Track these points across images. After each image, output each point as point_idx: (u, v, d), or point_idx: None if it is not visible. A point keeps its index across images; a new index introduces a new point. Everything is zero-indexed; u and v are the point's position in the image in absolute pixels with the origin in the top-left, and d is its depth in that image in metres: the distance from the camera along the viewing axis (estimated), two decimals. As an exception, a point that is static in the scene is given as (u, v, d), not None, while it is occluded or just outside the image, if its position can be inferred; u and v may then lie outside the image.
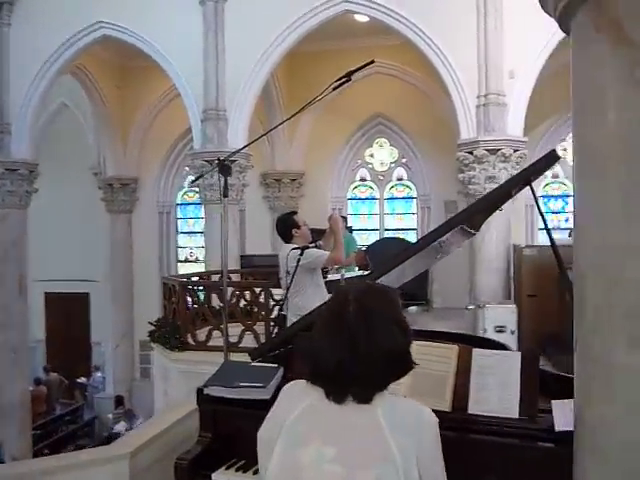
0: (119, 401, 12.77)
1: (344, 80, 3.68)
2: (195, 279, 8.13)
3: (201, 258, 13.71)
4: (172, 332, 6.25)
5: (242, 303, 6.53)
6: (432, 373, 2.38)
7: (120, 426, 11.64)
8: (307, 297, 4.65)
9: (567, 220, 12.90)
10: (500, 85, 8.53)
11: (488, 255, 8.74)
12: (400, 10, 8.67)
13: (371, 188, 13.51)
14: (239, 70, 9.23)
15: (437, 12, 8.62)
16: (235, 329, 5.64)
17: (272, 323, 4.50)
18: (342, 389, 1.50)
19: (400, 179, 13.36)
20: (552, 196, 12.86)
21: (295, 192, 13.06)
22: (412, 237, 12.99)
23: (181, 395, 5.38)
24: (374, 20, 9.23)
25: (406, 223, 13.33)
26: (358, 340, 1.48)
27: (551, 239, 2.64)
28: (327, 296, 5.02)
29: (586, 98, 1.23)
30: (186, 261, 14.38)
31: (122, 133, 13.54)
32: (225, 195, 3.61)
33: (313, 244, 4.56)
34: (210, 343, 6.12)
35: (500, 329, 7.88)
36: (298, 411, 1.53)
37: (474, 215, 2.83)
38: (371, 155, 13.38)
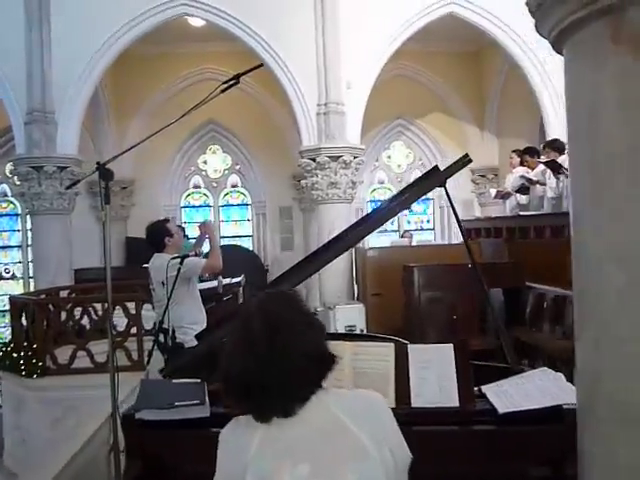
0: None
1: (232, 83, 3.61)
2: (64, 295, 7.27)
3: (19, 274, 12.46)
4: (27, 356, 5.53)
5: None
6: (373, 372, 2.43)
7: None
8: (186, 308, 4.47)
9: (393, 223, 13.86)
10: (339, 95, 8.93)
11: (335, 257, 9.05)
12: (243, 18, 8.70)
13: (205, 195, 13.30)
14: (68, 69, 8.55)
15: (277, 22, 8.77)
16: (99, 347, 5.19)
17: (153, 338, 4.25)
18: (274, 401, 1.42)
19: (234, 186, 13.35)
20: (379, 201, 13.72)
21: (126, 200, 12.40)
22: (248, 244, 13.05)
23: (42, 427, 4.81)
24: (213, 26, 9.15)
25: (242, 230, 13.34)
26: (272, 349, 1.41)
27: (464, 237, 2.83)
28: (202, 306, 4.87)
29: (592, 111, 1.35)
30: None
31: None
32: (107, 202, 3.33)
33: (193, 253, 4.40)
34: (75, 365, 5.53)
35: (350, 328, 8.23)
36: (254, 447, 1.40)
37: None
38: (204, 162, 13.19)
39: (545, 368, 2.64)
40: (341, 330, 8.12)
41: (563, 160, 6.72)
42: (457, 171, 2.68)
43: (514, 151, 8.77)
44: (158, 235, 4.63)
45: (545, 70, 9.49)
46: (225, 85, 3.65)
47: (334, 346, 2.46)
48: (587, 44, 1.34)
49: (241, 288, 7.37)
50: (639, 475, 1.30)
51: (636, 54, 1.24)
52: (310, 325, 1.52)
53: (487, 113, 12.82)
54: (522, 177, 7.85)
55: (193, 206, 13.24)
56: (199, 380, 2.58)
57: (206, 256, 4.74)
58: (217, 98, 11.32)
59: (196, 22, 9.75)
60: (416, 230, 13.85)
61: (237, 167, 13.21)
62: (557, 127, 9.57)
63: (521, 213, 7.69)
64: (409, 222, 13.96)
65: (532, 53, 9.49)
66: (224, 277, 6.57)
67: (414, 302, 7.58)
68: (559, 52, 1.55)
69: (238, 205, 13.38)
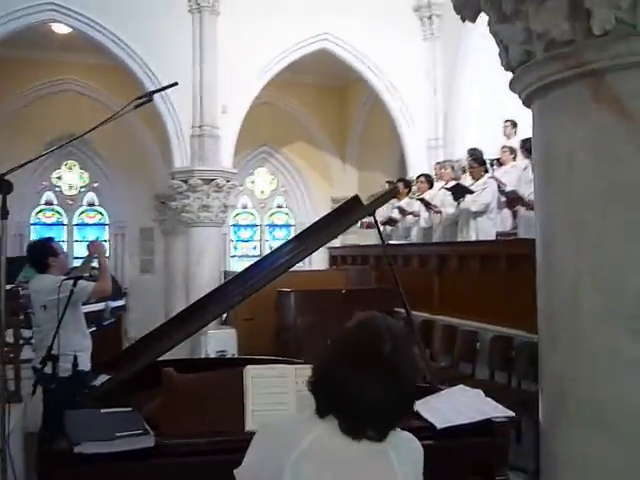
0: None
1: (145, 100, 3.52)
2: None
3: None
4: None
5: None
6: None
7: None
8: (69, 334, 4.16)
9: (255, 248, 13.96)
10: (214, 118, 8.90)
11: (203, 280, 8.92)
12: (116, 31, 8.39)
13: (58, 213, 12.45)
14: None
15: (154, 39, 8.57)
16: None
17: (39, 365, 3.88)
18: (365, 425, 1.44)
19: (91, 204, 12.65)
20: (242, 225, 13.75)
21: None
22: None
23: None
24: (79, 36, 8.73)
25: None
26: (395, 378, 1.44)
27: (390, 264, 2.99)
28: (87, 331, 4.58)
29: (570, 157, 1.57)
30: None
31: None
32: (4, 217, 3.07)
33: (88, 274, 4.12)
34: None
35: (222, 353, 8.12)
36: (301, 448, 1.42)
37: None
38: (59, 177, 12.37)
39: (462, 385, 2.87)
40: (212, 355, 7.99)
41: (432, 196, 7.28)
42: (387, 201, 2.83)
43: (388, 182, 9.29)
44: (42, 255, 4.29)
45: (407, 107, 10.25)
46: (139, 101, 3.55)
47: (281, 369, 2.53)
48: (569, 100, 1.56)
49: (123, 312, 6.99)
50: (609, 474, 1.50)
51: (614, 112, 1.47)
52: (415, 364, 1.55)
53: (349, 146, 13.45)
54: (397, 207, 8.34)
55: (45, 224, 12.31)
56: (129, 408, 2.48)
57: (95, 279, 4.47)
58: (78, 111, 10.82)
59: (61, 29, 9.21)
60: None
61: (95, 185, 12.55)
62: (416, 161, 10.36)
63: (390, 242, 8.16)
64: (271, 247, 14.11)
65: (395, 90, 10.21)
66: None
67: (290, 327, 7.70)
68: (528, 106, 1.77)
69: (95, 225, 12.68)
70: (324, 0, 9.42)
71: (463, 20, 1.96)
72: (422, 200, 7.70)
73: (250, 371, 2.46)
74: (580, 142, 1.53)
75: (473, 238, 6.78)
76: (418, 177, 8.43)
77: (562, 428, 1.61)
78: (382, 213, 8.93)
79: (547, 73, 1.58)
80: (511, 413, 2.50)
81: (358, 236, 13.08)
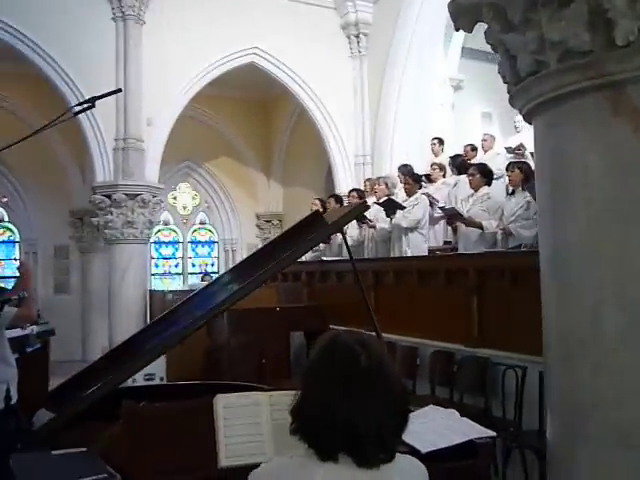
0: None
1: (87, 106, 3.28)
2: None
3: None
4: None
5: None
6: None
7: None
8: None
9: (177, 265, 13.51)
10: (139, 131, 8.55)
11: (127, 299, 8.49)
12: (36, 39, 7.90)
13: (-39, 230, 11.55)
14: None
15: (75, 48, 8.14)
16: None
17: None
18: (373, 447, 1.35)
19: (0, 220, 11.81)
20: (163, 242, 13.28)
21: None
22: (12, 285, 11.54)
23: None
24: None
25: (6, 269, 11.79)
26: (385, 386, 1.36)
27: (359, 280, 2.88)
28: (12, 357, 4.17)
29: (587, 171, 1.53)
30: None
31: None
32: None
33: (16, 297, 3.73)
34: None
35: (149, 377, 7.72)
36: None
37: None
38: (-37, 192, 11.48)
39: (432, 405, 2.80)
40: (139, 379, 7.57)
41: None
42: (355, 218, 2.73)
43: (316, 199, 9.22)
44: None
45: (335, 123, 10.28)
46: (79, 108, 3.31)
47: (254, 397, 2.35)
48: (586, 112, 1.52)
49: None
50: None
51: (635, 124, 1.43)
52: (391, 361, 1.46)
53: (274, 162, 13.34)
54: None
55: (-56, 242, 11.38)
56: (84, 448, 2.24)
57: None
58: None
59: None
60: (200, 273, 13.67)
61: (4, 200, 11.73)
62: (344, 177, 10.39)
63: (323, 258, 8.08)
64: (194, 265, 13.73)
65: (323, 106, 10.22)
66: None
67: (223, 346, 7.44)
68: (529, 118, 1.72)
69: (3, 242, 11.83)
70: (253, 14, 9.32)
71: (457, 30, 1.90)
72: (383, 203, 7.67)
73: (221, 400, 2.28)
74: (599, 154, 1.49)
75: (407, 254, 6.82)
76: (350, 192, 8.43)
77: (582, 452, 1.55)
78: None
79: (562, 84, 1.54)
80: (491, 432, 2.46)
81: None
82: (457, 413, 2.60)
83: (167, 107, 8.83)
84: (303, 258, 9.04)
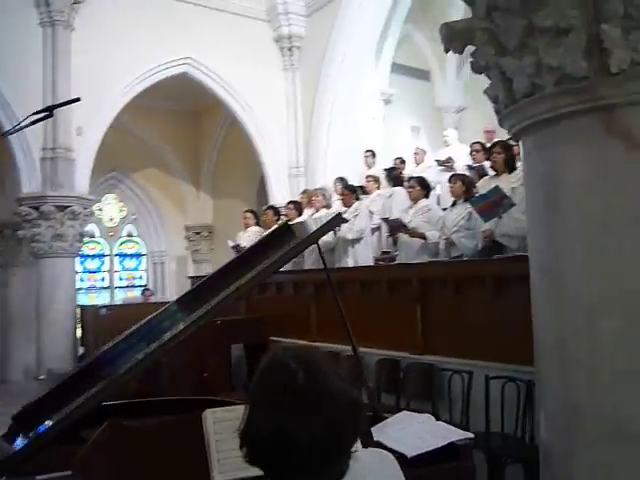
0: None
1: (45, 115, 3.16)
2: None
3: None
4: None
5: None
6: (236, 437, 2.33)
7: None
8: None
9: (103, 279, 13.06)
10: (69, 140, 8.25)
11: (56, 316, 8.13)
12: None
13: None
14: None
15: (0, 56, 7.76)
16: None
17: None
18: (324, 467, 1.27)
19: None
20: (89, 255, 12.80)
21: None
22: None
23: None
24: None
25: None
26: (315, 396, 1.27)
27: (334, 291, 2.92)
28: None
29: (584, 188, 1.65)
30: None
31: None
32: None
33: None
34: None
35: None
36: None
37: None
38: None
39: (406, 411, 2.88)
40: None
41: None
42: (330, 230, 2.77)
43: (247, 211, 9.20)
44: None
45: (268, 135, 10.32)
46: (36, 116, 3.18)
47: (236, 410, 2.34)
48: (580, 132, 1.65)
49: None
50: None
51: (626, 145, 1.58)
52: (345, 380, 1.34)
53: (204, 173, 13.19)
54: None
55: None
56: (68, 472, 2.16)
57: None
58: None
59: None
60: (127, 287, 13.30)
61: None
62: (278, 189, 10.44)
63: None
64: (121, 278, 13.32)
65: (256, 118, 10.24)
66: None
67: (162, 362, 7.28)
68: (517, 138, 1.85)
69: None
70: (187, 24, 9.24)
71: (446, 51, 2.00)
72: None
73: (210, 415, 2.26)
74: (592, 170, 1.62)
75: (351, 264, 6.93)
76: (287, 204, 8.48)
77: (580, 453, 1.67)
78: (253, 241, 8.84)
79: (557, 105, 1.66)
80: (469, 434, 2.56)
81: (212, 264, 12.86)
82: (433, 417, 2.69)
83: (98, 116, 8.58)
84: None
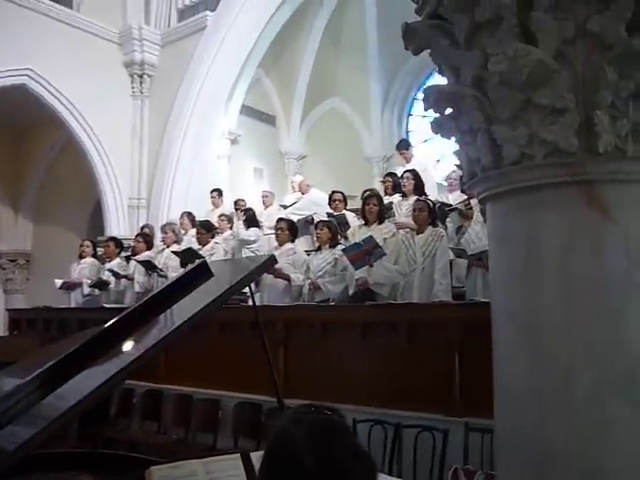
0: None
1: None
2: None
3: None
4: None
5: None
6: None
7: None
8: None
9: None
10: None
11: None
12: None
13: None
14: None
15: None
16: None
17: None
18: None
19: None
20: None
21: None
22: None
23: None
24: None
25: None
26: None
27: (259, 323, 2.82)
28: None
29: (564, 254, 1.83)
30: None
31: None
32: None
33: None
34: None
35: None
36: None
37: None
38: None
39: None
40: None
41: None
42: (264, 272, 2.71)
43: (86, 240, 8.55)
44: None
45: (110, 162, 9.76)
46: None
47: (189, 466, 2.15)
48: (565, 201, 1.84)
49: None
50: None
51: (604, 216, 1.80)
52: (357, 453, 1.20)
53: (25, 196, 11.99)
54: (110, 270, 7.72)
55: None
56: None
57: None
58: None
59: None
60: None
61: None
62: (116, 219, 9.86)
63: (105, 305, 7.48)
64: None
65: (99, 143, 9.66)
66: None
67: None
68: (485, 202, 2.02)
69: None
70: (29, 34, 8.50)
71: (425, 109, 2.12)
72: (142, 262, 7.35)
73: (156, 473, 2.03)
74: (572, 235, 1.82)
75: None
76: (136, 236, 8.04)
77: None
78: (85, 273, 8.19)
79: (544, 175, 1.84)
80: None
81: (27, 297, 11.61)
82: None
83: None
84: (73, 304, 8.23)
